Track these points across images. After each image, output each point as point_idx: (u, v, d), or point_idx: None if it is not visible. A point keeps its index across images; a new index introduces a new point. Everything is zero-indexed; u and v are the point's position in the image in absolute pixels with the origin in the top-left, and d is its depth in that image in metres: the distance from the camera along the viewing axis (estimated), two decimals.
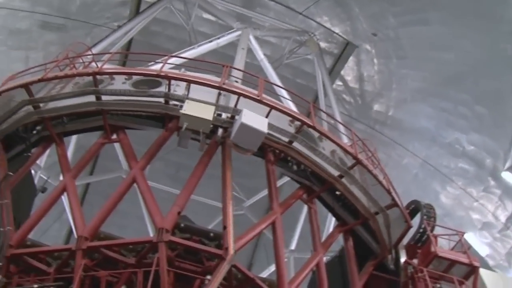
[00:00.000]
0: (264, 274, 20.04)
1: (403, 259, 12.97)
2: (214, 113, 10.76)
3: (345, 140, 15.32)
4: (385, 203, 12.61)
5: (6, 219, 10.40)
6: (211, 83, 11.20)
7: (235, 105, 11.10)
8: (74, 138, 19.88)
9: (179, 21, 22.13)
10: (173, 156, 19.79)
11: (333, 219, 18.21)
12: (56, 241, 22.24)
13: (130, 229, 21.63)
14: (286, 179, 19.05)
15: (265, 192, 22.83)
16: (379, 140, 21.99)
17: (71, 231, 24.12)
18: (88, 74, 11.38)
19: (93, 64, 12.85)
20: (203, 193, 21.99)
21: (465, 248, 13.30)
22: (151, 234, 22.26)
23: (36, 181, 17.07)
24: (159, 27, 23.33)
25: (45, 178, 17.33)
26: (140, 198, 18.85)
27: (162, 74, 10.95)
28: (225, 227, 10.07)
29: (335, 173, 12.31)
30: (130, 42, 22.53)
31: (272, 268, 20.01)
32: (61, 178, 21.34)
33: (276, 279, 10.95)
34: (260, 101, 11.10)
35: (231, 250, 9.61)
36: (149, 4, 22.05)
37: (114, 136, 11.78)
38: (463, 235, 14.04)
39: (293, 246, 21.16)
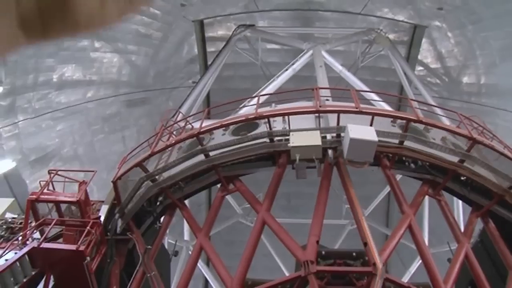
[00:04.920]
0: (405, 279, 19.45)
1: None
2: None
3: (446, 123, 14.85)
4: None
5: None
6: (309, 110, 11.33)
7: (337, 123, 11.12)
8: None
9: (247, 59, 22.72)
10: (280, 188, 20.05)
11: (461, 207, 17.60)
12: None
13: (260, 268, 21.94)
14: (397, 177, 18.62)
15: (379, 199, 22.53)
16: (480, 112, 20.98)
17: (207, 282, 24.91)
18: (192, 136, 11.87)
19: (188, 125, 13.44)
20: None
21: None
22: (283, 269, 22.68)
23: (166, 246, 17.90)
24: (231, 71, 24.10)
25: (173, 242, 18.09)
26: (263, 237, 19.43)
27: (261, 115, 11.23)
28: (365, 244, 9.98)
29: (455, 159, 11.88)
30: (208, 94, 23.32)
31: (413, 270, 19.49)
32: (185, 237, 22.47)
33: (429, 281, 10.65)
34: (360, 112, 11.05)
35: (379, 264, 9.48)
36: (214, 53, 22.87)
37: (231, 186, 12.14)
38: None
39: (425, 243, 20.38)
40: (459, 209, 17.85)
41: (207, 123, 12.30)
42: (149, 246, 11.80)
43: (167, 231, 20.55)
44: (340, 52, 23.05)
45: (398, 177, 18.69)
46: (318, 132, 10.87)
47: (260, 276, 11.75)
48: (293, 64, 18.03)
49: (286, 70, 17.62)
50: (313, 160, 10.59)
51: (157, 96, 23.69)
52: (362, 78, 20.28)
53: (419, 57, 23.28)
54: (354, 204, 10.62)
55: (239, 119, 11.82)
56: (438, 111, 16.37)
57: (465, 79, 22.66)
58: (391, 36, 22.93)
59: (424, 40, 22.81)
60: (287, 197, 24.74)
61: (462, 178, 12.23)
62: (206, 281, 24.98)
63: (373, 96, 15.40)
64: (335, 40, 21.56)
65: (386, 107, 14.98)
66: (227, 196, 21.10)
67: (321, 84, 15.40)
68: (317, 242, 10.12)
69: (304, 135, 10.73)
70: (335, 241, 22.49)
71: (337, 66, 18.43)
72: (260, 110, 11.73)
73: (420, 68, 23.71)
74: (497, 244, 12.02)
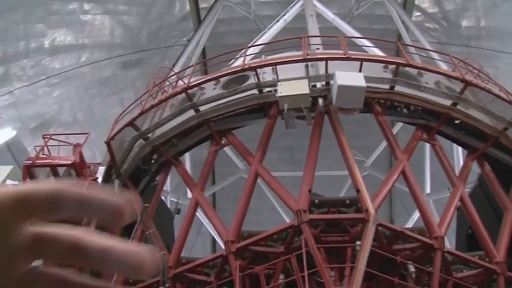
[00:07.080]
0: (409, 225, 19.58)
1: None
2: (309, 85, 10.69)
3: (444, 68, 14.60)
4: (511, 116, 11.80)
5: (158, 245, 11.09)
6: (296, 58, 11.15)
7: (326, 71, 10.95)
8: (187, 155, 20.62)
9: (241, 13, 22.32)
10: (283, 141, 19.86)
11: (460, 151, 17.51)
12: (204, 253, 23.34)
13: (267, 223, 22.10)
14: (399, 126, 18.49)
15: (382, 147, 22.42)
16: (480, 56, 20.54)
17: (214, 240, 25.25)
18: (179, 92, 11.81)
19: (180, 82, 13.32)
20: (322, 167, 21.95)
21: None
22: (287, 221, 22.85)
23: (168, 205, 18.09)
24: (225, 27, 23.69)
25: (175, 200, 18.27)
26: (267, 192, 19.49)
27: (247, 67, 11.08)
28: (358, 190, 9.99)
29: (447, 102, 11.73)
30: (204, 51, 23.00)
31: (415, 217, 19.60)
32: (189, 196, 22.64)
33: (424, 225, 10.69)
34: (348, 58, 10.87)
35: (372, 210, 9.49)
36: (207, 9, 22.45)
37: (224, 141, 12.11)
38: None
39: (428, 190, 20.46)
40: (459, 155, 17.75)
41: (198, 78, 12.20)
42: (146, 204, 11.86)
43: (168, 189, 20.94)
44: (334, 1, 22.50)
45: (399, 125, 18.71)
46: (306, 80, 10.72)
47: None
48: (284, 15, 17.68)
49: (277, 21, 17.30)
50: (302, 110, 10.49)
51: (152, 56, 23.41)
52: (358, 27, 19.82)
53: (416, 2, 22.65)
54: (345, 151, 10.57)
55: (226, 72, 11.70)
56: (434, 55, 16.11)
57: (464, 23, 22.12)
58: None
59: None
60: (290, 150, 24.64)
61: (456, 122, 12.10)
62: (214, 239, 25.30)
63: (366, 43, 15.10)
64: None
65: (378, 53, 14.72)
66: (229, 152, 21.33)
67: (312, 33, 15.09)
68: (310, 191, 10.13)
69: (292, 84, 10.59)
70: (340, 191, 22.55)
71: (329, 15, 18.03)
72: (248, 62, 11.58)
73: (418, 13, 23.12)
74: (493, 186, 11.99)
